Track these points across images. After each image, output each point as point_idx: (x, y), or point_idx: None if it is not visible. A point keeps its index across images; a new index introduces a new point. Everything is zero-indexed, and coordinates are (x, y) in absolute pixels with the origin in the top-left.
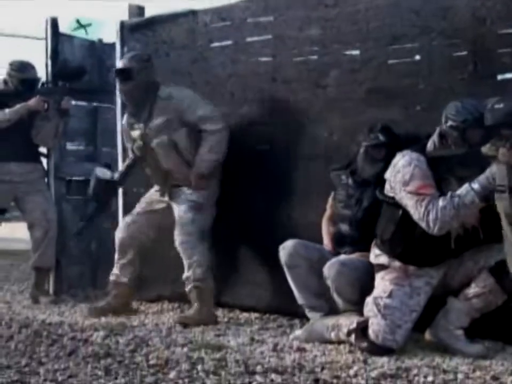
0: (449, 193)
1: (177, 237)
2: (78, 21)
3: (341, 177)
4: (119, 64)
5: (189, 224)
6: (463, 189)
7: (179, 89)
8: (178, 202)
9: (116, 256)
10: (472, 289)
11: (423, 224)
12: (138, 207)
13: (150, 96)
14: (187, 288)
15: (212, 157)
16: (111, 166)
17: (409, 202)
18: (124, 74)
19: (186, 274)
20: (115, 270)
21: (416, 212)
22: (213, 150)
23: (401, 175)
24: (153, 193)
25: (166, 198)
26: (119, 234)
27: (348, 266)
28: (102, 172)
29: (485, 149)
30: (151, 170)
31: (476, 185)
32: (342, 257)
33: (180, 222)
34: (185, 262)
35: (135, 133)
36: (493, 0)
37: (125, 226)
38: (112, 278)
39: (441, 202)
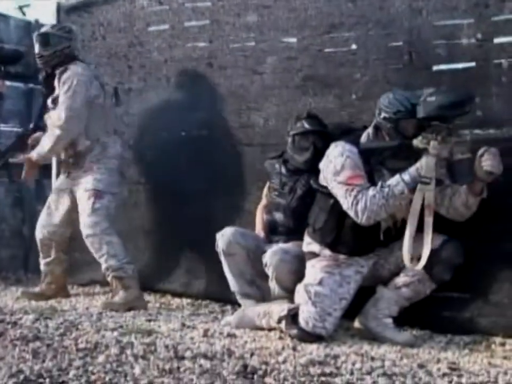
0: (379, 183)
1: (82, 229)
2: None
3: (275, 166)
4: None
5: (91, 214)
6: (394, 180)
7: (80, 67)
8: (78, 189)
9: (40, 254)
10: (402, 278)
11: (351, 213)
12: (49, 202)
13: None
14: (108, 279)
15: (43, 148)
16: None
17: (339, 192)
18: (44, 39)
19: (103, 266)
20: (43, 267)
21: (345, 201)
22: (45, 142)
23: (333, 165)
24: (60, 179)
25: (69, 184)
26: (37, 235)
27: (290, 255)
28: None
29: (416, 142)
30: None
31: (406, 176)
32: (284, 245)
33: (81, 212)
34: (96, 256)
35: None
36: None
37: (41, 227)
38: (43, 268)
39: (371, 191)
